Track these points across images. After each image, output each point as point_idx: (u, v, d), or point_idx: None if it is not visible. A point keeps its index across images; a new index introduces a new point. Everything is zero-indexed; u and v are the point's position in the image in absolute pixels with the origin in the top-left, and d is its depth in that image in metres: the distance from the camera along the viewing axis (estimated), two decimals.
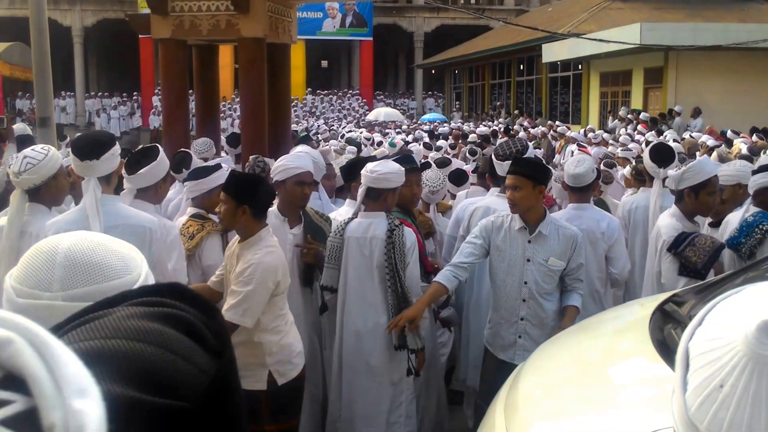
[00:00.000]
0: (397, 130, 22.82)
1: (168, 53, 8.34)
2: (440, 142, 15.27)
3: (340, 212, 5.29)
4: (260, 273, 3.85)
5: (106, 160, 3.96)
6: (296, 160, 4.90)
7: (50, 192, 4.19)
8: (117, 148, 4.11)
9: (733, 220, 5.06)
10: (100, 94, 39.11)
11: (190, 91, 9.51)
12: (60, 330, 0.76)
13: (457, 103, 40.89)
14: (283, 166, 4.78)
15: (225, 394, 0.78)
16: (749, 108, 20.66)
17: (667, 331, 3.35)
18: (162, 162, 4.51)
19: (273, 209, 4.60)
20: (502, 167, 5.16)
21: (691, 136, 15.07)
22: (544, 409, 3.19)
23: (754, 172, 5.12)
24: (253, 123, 8.25)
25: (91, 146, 3.98)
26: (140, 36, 31.42)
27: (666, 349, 3.11)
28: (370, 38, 41.26)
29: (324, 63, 44.75)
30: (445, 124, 26.92)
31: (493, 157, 5.51)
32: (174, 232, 4.29)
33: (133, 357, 0.71)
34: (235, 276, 3.93)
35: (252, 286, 3.84)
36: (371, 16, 41.03)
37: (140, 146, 5.08)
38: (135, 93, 37.77)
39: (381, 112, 32.21)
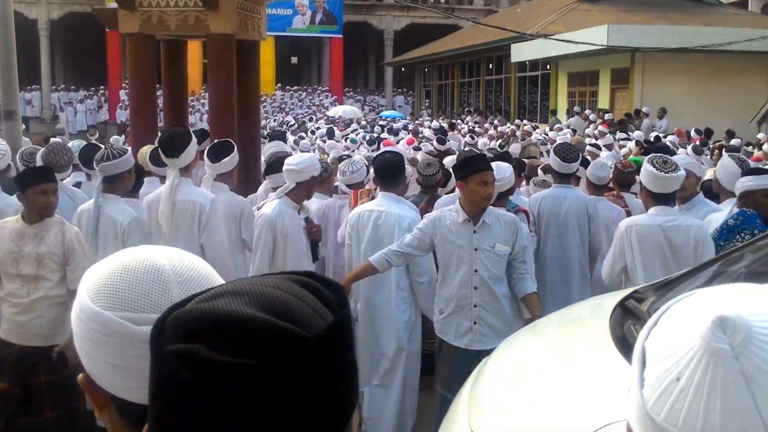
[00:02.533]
0: (355, 127, 23.15)
1: (135, 48, 8.28)
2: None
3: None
4: None
5: (185, 156, 5.42)
6: (316, 162, 5.55)
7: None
8: (193, 146, 5.54)
9: (717, 219, 5.18)
10: (66, 87, 38.62)
11: (158, 85, 9.45)
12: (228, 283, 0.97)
13: (426, 101, 40.99)
14: (304, 169, 5.33)
15: (339, 343, 0.92)
16: (712, 109, 20.96)
17: (626, 327, 3.42)
18: (236, 153, 5.92)
19: (287, 199, 5.29)
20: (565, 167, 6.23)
21: (658, 137, 15.27)
22: (507, 405, 3.23)
23: (743, 175, 5.26)
24: (222, 119, 8.23)
25: (172, 146, 5.39)
26: (108, 29, 31.08)
27: (625, 344, 3.18)
28: (340, 35, 41.20)
29: (294, 59, 44.62)
30: (401, 121, 27.37)
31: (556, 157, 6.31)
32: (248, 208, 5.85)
33: (269, 295, 0.91)
34: None
35: None
36: (341, 13, 40.98)
37: (216, 140, 6.38)
38: (102, 87, 37.35)
39: (339, 110, 32.19)
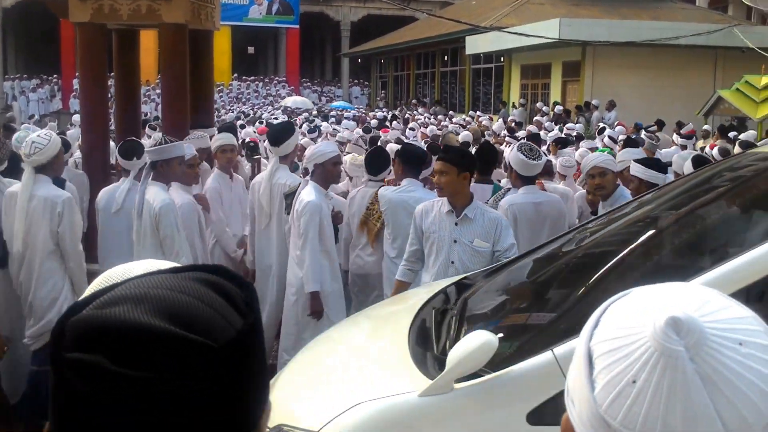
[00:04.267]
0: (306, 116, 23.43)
1: (86, 37, 8.19)
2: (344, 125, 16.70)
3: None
4: None
5: (285, 146, 6.11)
6: (330, 146, 5.94)
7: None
8: (294, 138, 6.32)
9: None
10: (18, 76, 37.88)
11: (111, 74, 9.36)
12: (117, 285, 0.93)
13: (382, 92, 41.04)
14: (321, 152, 5.64)
15: (247, 350, 0.90)
16: (659, 102, 21.33)
17: (426, 317, 3.56)
18: (297, 134, 6.54)
19: (314, 183, 5.55)
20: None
21: (603, 128, 15.53)
22: (290, 386, 3.37)
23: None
24: (174, 109, 8.19)
25: (276, 137, 6.13)
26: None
27: (421, 334, 3.31)
28: (297, 26, 41.03)
29: (250, 49, 44.32)
30: (350, 111, 27.58)
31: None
32: None
33: (172, 301, 0.88)
34: None
35: None
36: (298, 4, 40.78)
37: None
38: (55, 75, 36.72)
39: (290, 100, 32.10)
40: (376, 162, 6.24)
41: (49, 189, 5.26)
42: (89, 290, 1.21)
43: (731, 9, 31.47)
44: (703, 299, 0.93)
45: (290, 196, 5.85)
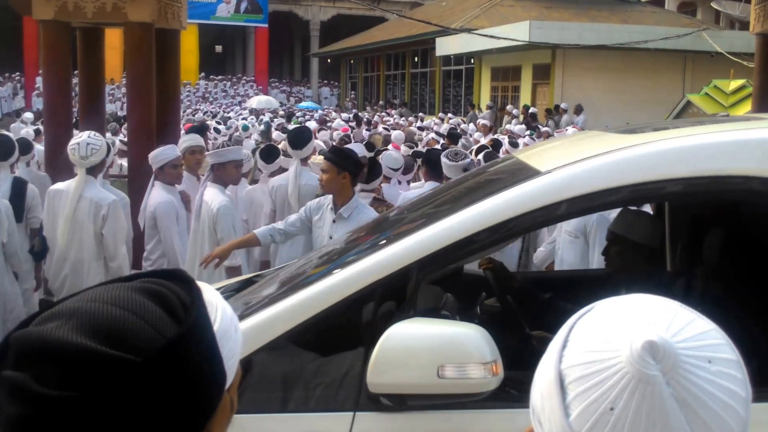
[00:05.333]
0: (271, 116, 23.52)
1: (50, 35, 8.12)
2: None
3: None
4: None
5: (306, 149, 6.35)
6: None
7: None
8: (312, 142, 6.72)
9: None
10: None
11: (75, 72, 9.28)
12: (69, 297, 0.93)
13: (352, 93, 41.05)
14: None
15: (183, 354, 0.88)
16: (629, 105, 21.58)
17: None
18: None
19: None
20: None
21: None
22: None
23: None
24: (140, 109, 8.14)
25: (297, 140, 6.32)
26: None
27: None
28: (266, 25, 40.90)
29: (218, 48, 44.16)
30: (317, 112, 27.60)
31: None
32: None
33: (102, 316, 0.87)
34: None
35: None
36: (266, 2, 40.66)
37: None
38: (18, 73, 36.24)
39: (254, 101, 32.00)
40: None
41: (96, 191, 5.45)
42: None
43: (700, 13, 31.92)
44: (670, 315, 0.93)
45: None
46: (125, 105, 27.98)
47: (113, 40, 23.81)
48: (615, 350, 0.89)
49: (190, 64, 35.72)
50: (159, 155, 5.90)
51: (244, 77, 42.14)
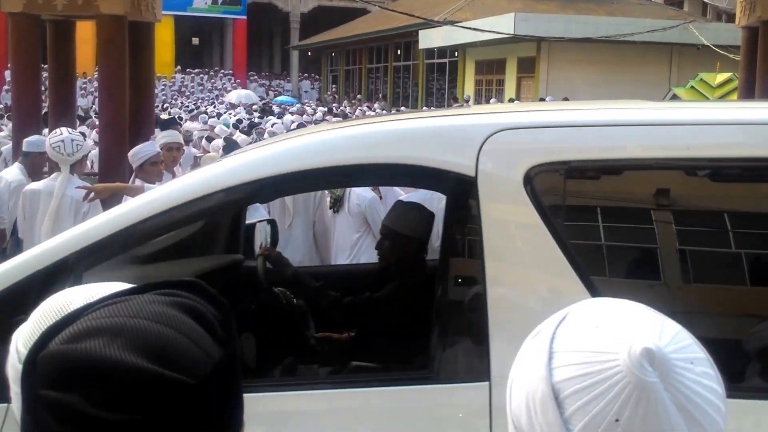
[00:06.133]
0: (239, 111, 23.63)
1: (19, 28, 8.10)
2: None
3: None
4: None
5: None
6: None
7: None
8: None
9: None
10: None
11: (45, 66, 9.26)
12: (90, 308, 0.89)
13: (333, 86, 41.01)
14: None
15: (226, 381, 0.89)
16: (615, 98, 21.62)
17: None
18: None
19: None
20: None
21: None
22: None
23: None
24: (112, 104, 8.14)
25: None
26: None
27: None
28: (244, 17, 40.80)
29: (195, 40, 43.93)
30: (294, 106, 27.61)
31: None
32: None
33: (150, 334, 0.84)
34: None
35: None
36: None
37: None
38: None
39: (234, 95, 31.92)
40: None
41: (74, 188, 5.43)
42: (43, 315, 1.17)
43: (687, 5, 32.12)
44: (650, 319, 0.96)
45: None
46: (97, 99, 27.90)
47: (85, 32, 23.67)
48: (611, 360, 0.90)
49: (165, 57, 35.54)
50: (138, 153, 5.88)
51: (222, 71, 41.98)
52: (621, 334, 0.92)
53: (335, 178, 2.81)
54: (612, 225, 2.41)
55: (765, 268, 2.37)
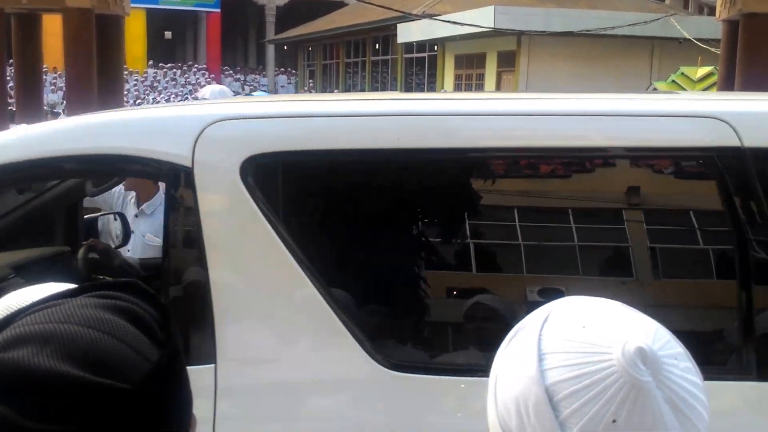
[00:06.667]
0: None
1: None
2: None
3: None
4: None
5: None
6: None
7: None
8: None
9: None
10: None
11: (11, 61, 9.19)
12: (21, 314, 0.87)
13: (310, 81, 40.93)
14: None
15: (167, 382, 0.87)
16: (598, 92, 21.77)
17: None
18: None
19: None
20: None
21: None
22: None
23: None
24: (79, 99, 8.10)
25: None
26: None
27: None
28: (218, 10, 40.63)
29: (167, 34, 43.70)
30: None
31: None
32: None
33: (81, 340, 0.82)
34: None
35: None
36: None
37: None
38: None
39: (207, 90, 31.77)
40: None
41: None
42: None
43: None
44: (633, 317, 0.98)
45: None
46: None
47: (55, 25, 23.51)
48: (605, 360, 0.91)
49: (137, 52, 35.37)
50: None
51: (196, 65, 41.76)
52: (611, 333, 0.93)
53: (52, 170, 2.78)
54: (330, 212, 2.52)
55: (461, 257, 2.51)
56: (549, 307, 1.02)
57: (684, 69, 17.23)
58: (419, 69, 31.00)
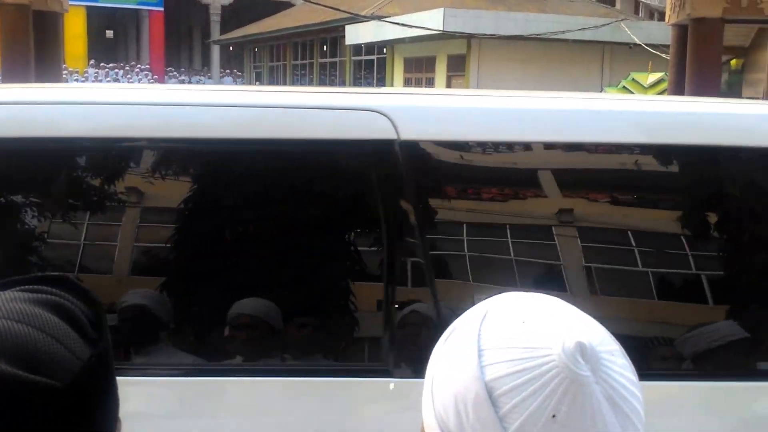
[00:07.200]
0: None
1: None
2: None
3: None
4: None
5: None
6: None
7: None
8: None
9: None
10: None
11: None
12: None
13: (257, 83, 40.75)
14: None
15: (97, 382, 0.86)
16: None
17: None
18: None
19: None
20: None
21: None
22: None
23: None
24: None
25: None
26: None
27: None
28: (161, 8, 40.26)
29: (109, 33, 43.23)
30: None
31: None
32: None
33: (10, 335, 0.80)
34: None
35: None
36: None
37: None
38: None
39: None
40: None
41: None
42: None
43: (619, 3, 32.85)
44: (571, 312, 0.99)
45: None
46: None
47: None
48: (545, 356, 0.91)
49: (77, 50, 34.90)
50: None
51: (138, 65, 41.30)
52: (551, 328, 0.93)
53: None
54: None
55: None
56: (487, 304, 1.01)
57: (634, 75, 17.52)
58: (368, 72, 31.05)
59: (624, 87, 17.33)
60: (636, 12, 32.10)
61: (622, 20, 24.08)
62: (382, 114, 2.41)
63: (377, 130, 2.40)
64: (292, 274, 2.47)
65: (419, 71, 26.93)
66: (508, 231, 2.50)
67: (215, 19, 42.93)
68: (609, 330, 0.99)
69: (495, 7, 25.61)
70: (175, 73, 42.24)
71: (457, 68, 24.60)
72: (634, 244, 2.51)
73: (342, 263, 2.49)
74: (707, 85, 9.27)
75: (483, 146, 2.48)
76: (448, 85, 24.93)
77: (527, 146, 2.53)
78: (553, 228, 2.48)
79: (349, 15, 23.43)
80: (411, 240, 2.39)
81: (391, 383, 2.32)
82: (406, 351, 2.34)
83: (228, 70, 44.21)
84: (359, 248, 2.50)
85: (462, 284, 2.48)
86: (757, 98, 15.34)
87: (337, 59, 33.61)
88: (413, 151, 2.40)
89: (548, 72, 23.29)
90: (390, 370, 2.33)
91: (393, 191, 2.40)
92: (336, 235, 2.53)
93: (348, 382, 2.36)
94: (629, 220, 2.54)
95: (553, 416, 0.88)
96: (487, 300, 1.03)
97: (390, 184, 2.40)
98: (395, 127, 2.39)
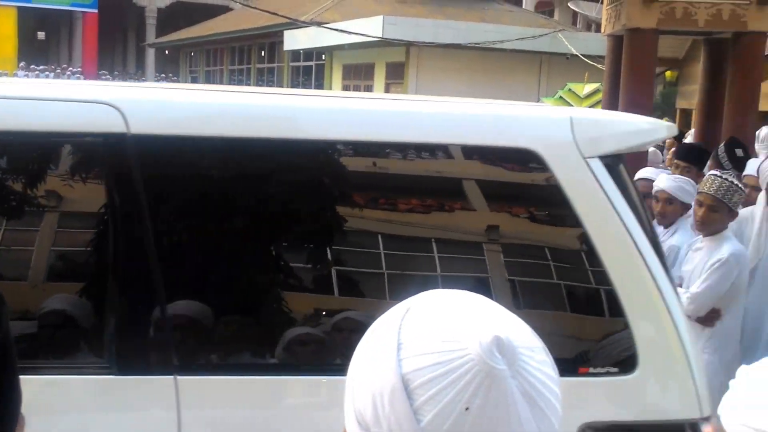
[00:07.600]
0: None
1: None
2: None
3: None
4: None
5: None
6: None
7: None
8: None
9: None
10: None
11: None
12: None
13: None
14: None
15: (5, 366, 0.86)
16: None
17: None
18: None
19: None
20: None
21: None
22: None
23: None
24: None
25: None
26: None
27: None
28: (95, 10, 39.67)
29: (40, 34, 42.52)
30: None
31: None
32: None
33: None
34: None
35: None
36: None
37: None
38: None
39: None
40: None
41: None
42: None
43: (557, 14, 33.35)
44: (492, 307, 0.99)
45: None
46: None
47: None
48: (461, 349, 0.91)
49: (6, 52, 34.26)
50: None
51: (70, 67, 40.56)
52: (469, 322, 0.94)
53: None
54: None
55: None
56: (411, 301, 1.02)
57: (571, 85, 17.73)
58: (306, 78, 30.97)
59: (560, 97, 17.53)
60: (574, 23, 32.62)
61: (559, 31, 24.46)
62: (113, 107, 2.43)
63: (107, 123, 2.42)
64: (16, 267, 2.52)
65: (358, 78, 26.95)
66: (238, 223, 2.59)
67: (151, 21, 42.47)
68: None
69: (434, 15, 25.79)
70: (108, 75, 41.68)
71: (396, 76, 24.68)
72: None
73: (69, 259, 2.55)
74: (641, 96, 9.41)
75: (215, 142, 2.51)
76: (387, 93, 24.99)
77: (264, 143, 2.57)
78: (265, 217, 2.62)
79: (288, 20, 23.34)
80: (139, 234, 2.41)
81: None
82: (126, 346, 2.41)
83: (163, 74, 43.75)
84: (88, 244, 2.52)
85: (192, 276, 2.53)
86: (691, 110, 15.70)
87: (275, 65, 33.47)
88: (144, 144, 2.42)
89: (486, 81, 23.49)
90: (109, 366, 2.40)
91: (122, 185, 2.42)
92: (65, 228, 2.56)
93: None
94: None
95: (467, 409, 0.89)
96: (412, 297, 1.03)
97: (119, 177, 2.42)
98: (126, 120, 2.41)
